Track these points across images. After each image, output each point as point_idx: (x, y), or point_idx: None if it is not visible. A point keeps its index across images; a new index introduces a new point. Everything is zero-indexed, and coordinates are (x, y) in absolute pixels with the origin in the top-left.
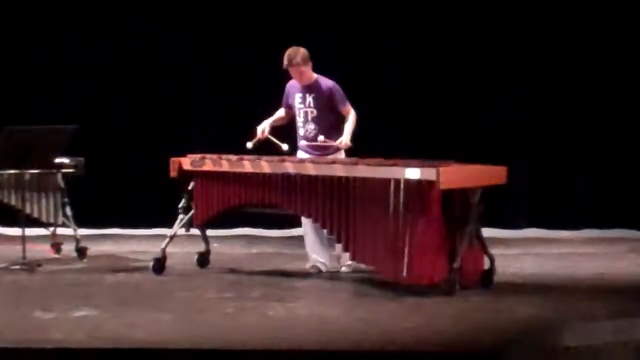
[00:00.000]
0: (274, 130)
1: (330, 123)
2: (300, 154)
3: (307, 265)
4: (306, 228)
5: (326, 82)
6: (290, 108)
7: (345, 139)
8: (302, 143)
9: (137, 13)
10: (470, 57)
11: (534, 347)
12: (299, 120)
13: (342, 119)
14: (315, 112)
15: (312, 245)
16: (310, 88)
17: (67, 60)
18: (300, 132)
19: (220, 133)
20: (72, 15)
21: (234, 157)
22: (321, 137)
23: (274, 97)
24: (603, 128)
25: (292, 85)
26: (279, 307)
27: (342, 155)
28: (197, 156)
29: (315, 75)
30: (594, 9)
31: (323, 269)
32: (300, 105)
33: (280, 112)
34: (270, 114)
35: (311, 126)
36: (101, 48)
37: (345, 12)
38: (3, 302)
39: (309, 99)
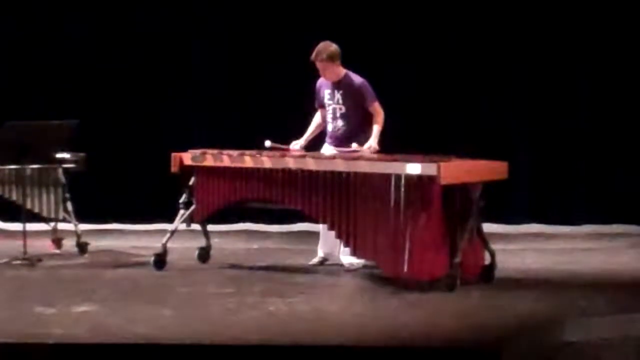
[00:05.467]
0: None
1: (358, 120)
2: (326, 148)
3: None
4: None
5: (355, 79)
6: (323, 106)
7: (372, 142)
8: (329, 140)
9: (139, 9)
10: (471, 53)
11: (534, 342)
12: (328, 116)
13: (371, 116)
14: (343, 108)
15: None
16: (339, 84)
17: (69, 56)
18: (329, 127)
19: (221, 128)
20: (74, 12)
21: (234, 153)
22: (354, 145)
23: (275, 94)
24: (603, 123)
25: (322, 82)
26: (280, 302)
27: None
28: (198, 151)
29: (344, 72)
30: (594, 6)
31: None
32: (330, 101)
33: (317, 119)
34: (272, 110)
35: (339, 123)
36: (102, 43)
37: (345, 8)
38: (4, 297)
39: (338, 95)
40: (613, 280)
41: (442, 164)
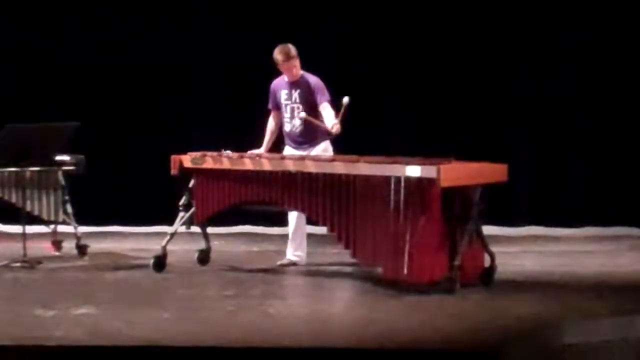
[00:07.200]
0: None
1: (315, 118)
2: (288, 150)
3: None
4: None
5: (311, 78)
6: (278, 108)
7: (337, 125)
8: (287, 140)
9: (138, 11)
10: (470, 55)
11: (534, 344)
12: (286, 116)
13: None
14: (301, 107)
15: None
16: (296, 84)
17: (68, 58)
18: (287, 127)
19: (220, 131)
20: (73, 14)
21: (234, 155)
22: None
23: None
24: (604, 125)
25: (277, 83)
26: (280, 304)
27: (327, 145)
28: (198, 154)
29: (301, 71)
30: (593, 7)
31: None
32: (287, 101)
33: (271, 125)
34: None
35: (297, 122)
36: (102, 46)
37: (345, 8)
38: (4, 300)
39: (295, 94)
40: (613, 283)
41: (442, 166)
